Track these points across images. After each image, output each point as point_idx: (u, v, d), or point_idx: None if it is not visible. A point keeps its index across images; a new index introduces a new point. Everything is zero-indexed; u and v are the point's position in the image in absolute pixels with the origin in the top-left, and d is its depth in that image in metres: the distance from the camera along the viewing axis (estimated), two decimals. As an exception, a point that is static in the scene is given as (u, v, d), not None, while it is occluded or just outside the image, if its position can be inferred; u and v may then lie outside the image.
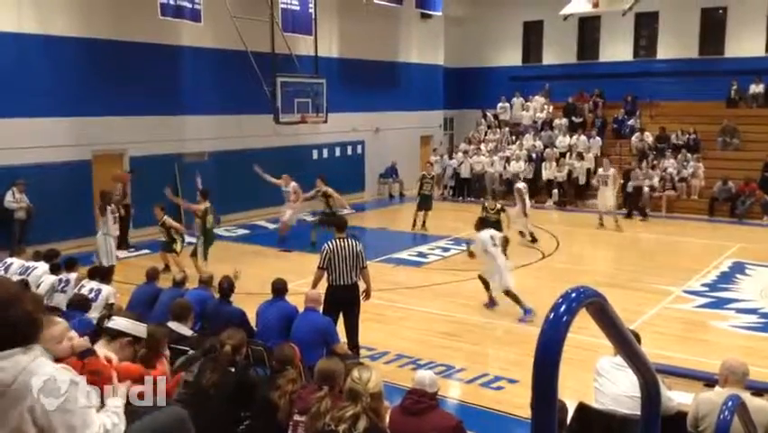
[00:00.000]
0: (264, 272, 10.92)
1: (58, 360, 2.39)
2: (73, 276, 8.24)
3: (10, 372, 1.96)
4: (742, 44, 22.18)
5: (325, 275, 7.87)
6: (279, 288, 7.14)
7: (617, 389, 4.54)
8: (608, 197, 16.61)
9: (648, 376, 2.02)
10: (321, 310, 7.16)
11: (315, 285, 7.89)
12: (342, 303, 7.72)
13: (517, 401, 6.52)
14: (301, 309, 7.01)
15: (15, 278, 8.21)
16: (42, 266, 8.56)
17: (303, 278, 10.93)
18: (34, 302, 2.41)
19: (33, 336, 2.10)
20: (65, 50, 14.42)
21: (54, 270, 8.46)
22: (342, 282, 7.76)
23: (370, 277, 8.13)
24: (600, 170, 17.34)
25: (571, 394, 4.70)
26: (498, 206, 13.27)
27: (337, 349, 6.58)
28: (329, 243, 7.94)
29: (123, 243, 14.39)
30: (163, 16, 14.55)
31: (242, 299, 7.87)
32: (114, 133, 15.26)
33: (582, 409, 4.60)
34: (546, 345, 1.51)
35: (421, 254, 14.13)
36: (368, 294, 8.14)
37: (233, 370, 4.75)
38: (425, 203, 16.61)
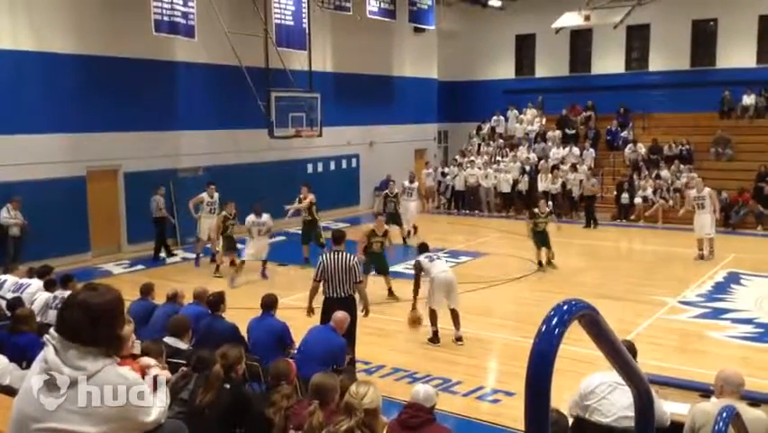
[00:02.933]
0: (259, 287, 10.91)
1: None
2: (68, 293, 8.18)
3: (96, 365, 2.31)
4: (733, 55, 22.35)
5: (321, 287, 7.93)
6: (267, 303, 7.13)
7: (615, 409, 4.49)
8: (705, 221, 14.45)
9: (641, 387, 2.02)
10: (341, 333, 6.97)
11: (311, 297, 8.06)
12: None
13: (514, 414, 6.51)
14: (290, 325, 7.07)
15: (9, 295, 8.18)
16: (36, 283, 8.51)
17: (295, 292, 10.95)
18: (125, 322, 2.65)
19: (116, 353, 2.46)
20: (60, 66, 14.44)
21: (49, 286, 8.41)
22: (335, 294, 7.80)
23: (367, 291, 8.16)
24: (693, 192, 14.98)
25: (566, 407, 4.68)
26: (548, 209, 14.15)
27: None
28: (323, 255, 8.05)
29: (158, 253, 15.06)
30: (157, 32, 14.59)
31: (236, 314, 7.84)
32: (108, 149, 15.27)
33: (580, 423, 4.57)
34: (539, 357, 1.51)
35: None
36: (366, 311, 8.15)
37: (227, 386, 4.72)
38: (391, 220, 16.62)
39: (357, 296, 8.08)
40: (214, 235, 13.44)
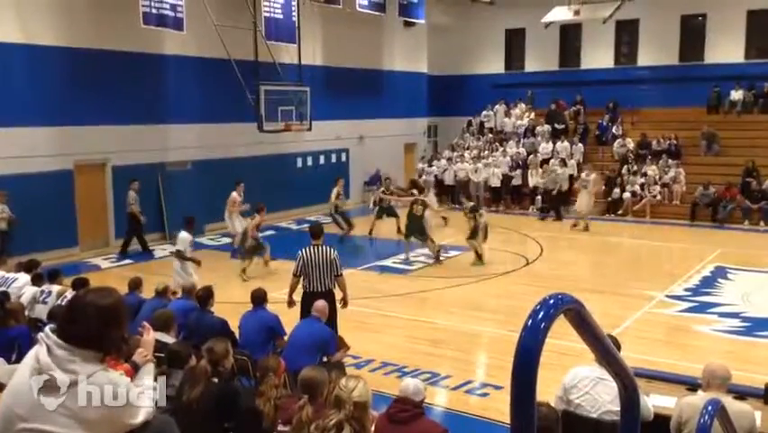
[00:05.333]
0: (249, 281, 10.89)
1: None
2: (55, 288, 8.15)
3: (87, 369, 2.29)
4: (721, 51, 22.44)
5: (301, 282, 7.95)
6: (259, 297, 7.14)
7: (599, 404, 4.51)
8: (584, 200, 17.41)
9: (627, 381, 2.03)
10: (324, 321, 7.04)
11: (290, 293, 8.07)
12: None
13: (503, 408, 6.51)
14: (282, 318, 7.06)
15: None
16: (23, 277, 8.48)
17: (287, 286, 10.93)
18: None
19: (118, 355, 2.50)
20: (47, 59, 14.32)
21: (36, 280, 8.37)
22: (316, 289, 7.79)
23: (347, 284, 8.19)
24: (583, 175, 18.30)
25: (553, 400, 4.70)
26: (470, 204, 14.68)
27: (330, 359, 6.57)
28: (303, 250, 7.99)
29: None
30: (146, 25, 14.49)
31: (228, 309, 7.84)
32: (96, 143, 15.16)
33: (567, 417, 4.59)
34: (525, 351, 1.52)
35: (406, 262, 14.12)
36: (345, 302, 8.16)
37: (215, 380, 4.71)
38: (382, 212, 16.86)
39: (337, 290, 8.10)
40: (253, 236, 12.93)
